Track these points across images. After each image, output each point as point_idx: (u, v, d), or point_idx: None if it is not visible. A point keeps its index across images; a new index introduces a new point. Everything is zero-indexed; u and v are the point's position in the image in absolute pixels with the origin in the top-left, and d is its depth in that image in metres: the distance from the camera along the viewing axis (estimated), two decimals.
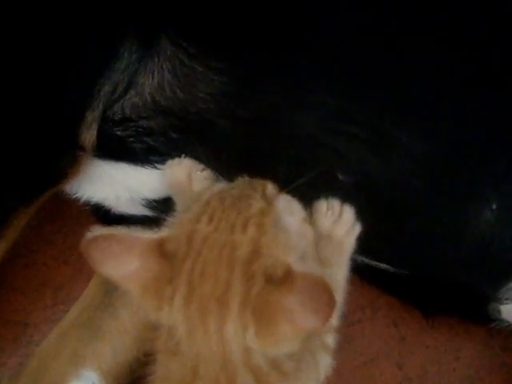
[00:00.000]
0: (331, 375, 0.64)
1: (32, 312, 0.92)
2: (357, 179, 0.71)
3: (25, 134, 0.73)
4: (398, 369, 0.87)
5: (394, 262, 0.76)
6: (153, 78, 0.73)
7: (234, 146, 0.74)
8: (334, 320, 0.65)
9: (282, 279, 0.51)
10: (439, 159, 0.71)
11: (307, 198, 0.66)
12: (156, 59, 0.73)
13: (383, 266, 0.76)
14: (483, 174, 0.70)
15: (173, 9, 0.74)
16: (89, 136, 0.75)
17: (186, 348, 0.54)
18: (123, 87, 0.74)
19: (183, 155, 0.75)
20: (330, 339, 0.65)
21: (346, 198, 0.68)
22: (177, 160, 0.74)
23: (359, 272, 0.75)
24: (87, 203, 0.84)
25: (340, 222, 0.66)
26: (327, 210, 0.66)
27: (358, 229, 0.67)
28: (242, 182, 0.63)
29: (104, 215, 0.85)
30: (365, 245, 0.68)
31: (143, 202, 0.81)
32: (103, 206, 0.84)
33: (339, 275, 0.66)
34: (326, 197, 0.68)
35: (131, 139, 0.76)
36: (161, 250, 0.55)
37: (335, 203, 0.67)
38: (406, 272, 0.76)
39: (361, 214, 0.67)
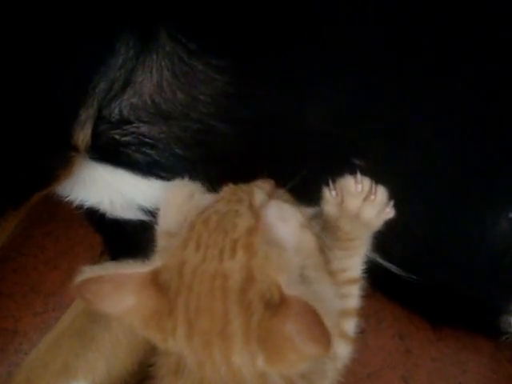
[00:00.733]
0: None
1: (21, 319, 0.89)
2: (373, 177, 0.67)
3: (13, 131, 0.69)
4: (403, 382, 0.84)
5: (406, 266, 0.73)
6: (151, 77, 0.70)
7: (236, 152, 0.70)
8: (354, 302, 0.63)
9: (278, 304, 0.49)
10: (457, 161, 0.68)
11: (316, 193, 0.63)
12: (154, 56, 0.69)
13: (394, 268, 0.73)
14: (502, 180, 0.67)
15: (172, 2, 0.70)
16: (82, 135, 0.71)
17: (196, 373, 0.52)
18: (120, 85, 0.70)
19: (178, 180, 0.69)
20: (351, 326, 0.62)
21: None
22: (179, 183, 0.68)
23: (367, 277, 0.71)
24: (80, 206, 0.80)
25: (371, 203, 0.60)
26: (357, 186, 0.60)
27: (391, 213, 0.61)
28: (227, 192, 0.60)
29: (98, 220, 0.82)
30: (379, 243, 0.65)
31: (139, 208, 0.78)
32: (97, 210, 0.80)
33: (361, 246, 0.63)
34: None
35: (133, 148, 0.72)
36: (155, 283, 0.53)
37: (365, 180, 0.61)
38: (416, 278, 0.73)
39: None
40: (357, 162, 0.68)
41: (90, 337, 0.77)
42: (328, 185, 0.62)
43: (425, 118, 0.68)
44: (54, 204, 0.91)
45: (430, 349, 0.85)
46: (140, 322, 0.54)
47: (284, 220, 0.56)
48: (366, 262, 0.65)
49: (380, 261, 0.72)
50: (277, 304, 0.49)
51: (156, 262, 0.55)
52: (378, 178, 0.65)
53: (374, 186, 0.61)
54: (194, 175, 0.69)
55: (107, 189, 0.76)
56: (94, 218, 0.82)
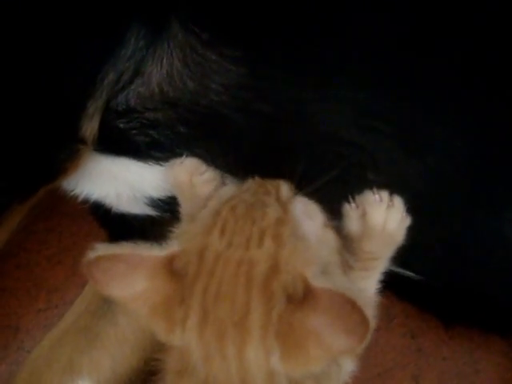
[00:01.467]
0: None
1: (23, 316, 0.87)
2: (389, 179, 0.66)
3: (20, 124, 0.67)
4: (414, 382, 0.83)
5: (421, 270, 0.71)
6: (161, 67, 0.68)
7: (247, 143, 0.68)
8: None
9: (303, 297, 0.47)
10: (478, 160, 0.66)
11: (335, 200, 0.62)
12: (165, 46, 0.67)
13: (408, 273, 0.71)
14: None
15: None
16: (90, 128, 0.69)
17: (200, 371, 0.50)
18: (129, 76, 0.68)
19: (185, 155, 0.69)
20: None
21: None
22: (179, 160, 0.69)
23: None
24: (86, 201, 0.79)
25: (392, 213, 0.61)
26: (377, 198, 0.61)
27: (408, 219, 0.62)
28: (254, 183, 0.58)
29: (104, 214, 0.80)
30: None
31: (146, 201, 0.76)
32: (103, 205, 0.78)
33: (380, 267, 0.63)
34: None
35: (134, 131, 0.70)
36: (170, 268, 0.51)
37: (383, 193, 0.62)
38: (430, 280, 0.71)
39: None
40: (371, 176, 0.66)
41: (95, 333, 0.76)
42: (344, 197, 0.62)
43: (444, 115, 0.66)
44: (58, 199, 0.89)
45: (441, 348, 0.84)
46: (148, 309, 0.51)
47: (310, 216, 0.56)
48: None
49: (393, 268, 0.70)
50: (301, 298, 0.47)
51: (174, 246, 0.53)
52: (390, 181, 0.65)
53: (390, 196, 0.62)
54: (197, 153, 0.68)
55: (113, 181, 0.74)
56: (100, 212, 0.80)
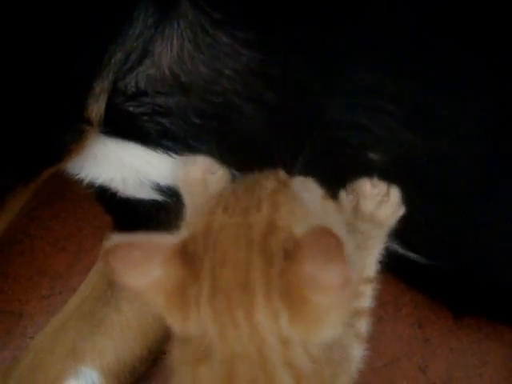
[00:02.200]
0: None
1: (27, 302, 0.86)
2: (392, 159, 0.65)
3: (25, 103, 0.66)
4: (421, 373, 0.81)
5: (430, 254, 0.70)
6: (171, 48, 0.67)
7: (255, 136, 0.68)
8: (368, 302, 0.61)
9: (294, 251, 0.47)
10: (486, 142, 0.65)
11: (335, 183, 0.60)
12: (175, 25, 0.66)
13: (416, 257, 0.70)
14: None
15: None
16: (96, 109, 0.68)
17: (218, 350, 0.49)
18: (137, 56, 0.67)
19: (197, 155, 0.67)
20: (364, 325, 0.60)
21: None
22: (191, 158, 0.67)
23: (384, 263, 0.68)
24: (91, 185, 0.78)
25: (386, 204, 0.61)
26: (372, 190, 0.61)
27: (402, 211, 0.62)
28: (254, 174, 0.59)
29: (109, 199, 0.79)
30: (400, 232, 0.62)
31: (152, 186, 0.75)
32: (108, 189, 0.77)
33: (376, 245, 0.62)
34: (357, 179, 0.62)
35: (145, 117, 0.69)
36: (183, 254, 0.51)
37: (381, 183, 0.61)
38: (439, 264, 0.70)
39: None
40: (374, 156, 0.65)
41: (98, 320, 0.75)
42: (346, 180, 0.62)
43: (453, 93, 0.65)
44: (62, 185, 0.89)
45: (449, 338, 0.82)
46: (163, 298, 0.51)
47: (308, 190, 0.56)
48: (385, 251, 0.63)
49: (401, 251, 0.69)
50: (293, 252, 0.47)
51: (183, 232, 0.53)
52: (395, 162, 0.65)
53: (388, 187, 0.62)
54: (208, 147, 0.67)
55: (119, 165, 0.73)
56: (105, 197, 0.79)
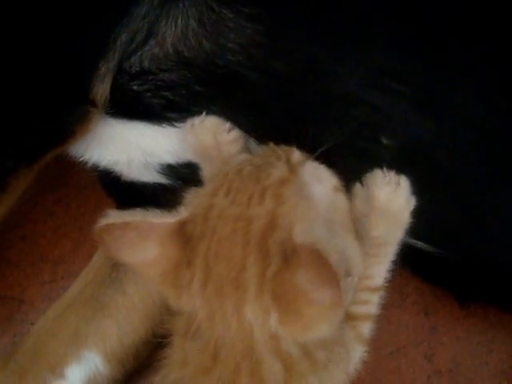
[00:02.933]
0: None
1: (28, 288, 0.85)
2: (403, 143, 0.64)
3: (30, 82, 0.65)
4: (427, 361, 0.81)
5: (438, 243, 0.69)
6: (176, 27, 0.66)
7: (263, 103, 0.66)
8: (374, 309, 0.61)
9: (290, 254, 0.47)
10: (498, 128, 0.64)
11: (348, 166, 0.61)
12: (180, 4, 0.65)
13: (424, 246, 0.69)
14: None
15: None
16: (101, 90, 0.68)
17: (206, 332, 0.50)
18: (142, 36, 0.67)
19: (204, 112, 0.67)
20: (367, 329, 0.60)
21: (390, 165, 0.61)
22: (198, 119, 0.66)
23: None
24: (94, 168, 0.77)
25: (397, 195, 0.60)
26: (384, 179, 0.60)
27: (413, 202, 0.61)
28: (266, 150, 0.58)
29: (112, 183, 0.78)
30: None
31: (158, 168, 0.74)
32: (112, 172, 0.76)
33: (390, 253, 0.61)
34: (368, 164, 0.62)
35: (148, 94, 0.68)
36: (180, 234, 0.51)
37: (392, 174, 0.61)
38: (447, 253, 0.69)
39: None
40: (384, 140, 0.64)
41: (102, 303, 0.74)
42: (357, 164, 0.63)
43: (466, 79, 0.64)
44: (65, 170, 0.88)
45: (455, 326, 0.82)
46: (158, 276, 0.52)
47: (319, 180, 0.55)
48: None
49: (409, 241, 0.68)
50: (290, 255, 0.47)
51: (183, 212, 0.53)
52: (404, 145, 0.64)
53: (399, 177, 0.61)
54: (213, 114, 0.66)
55: (125, 146, 0.72)
56: (108, 181, 0.78)
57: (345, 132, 0.63)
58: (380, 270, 0.62)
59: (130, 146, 0.72)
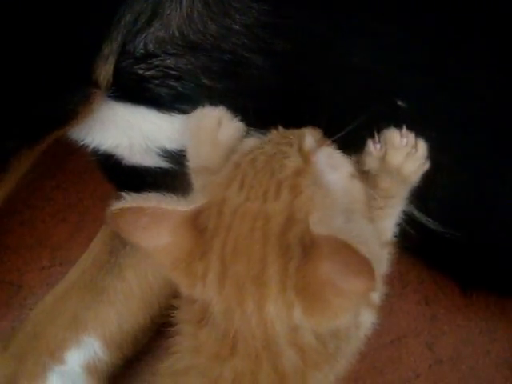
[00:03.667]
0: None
1: (26, 273, 0.85)
2: (419, 107, 0.64)
3: (32, 62, 0.65)
4: (427, 349, 0.81)
5: (445, 221, 0.68)
6: (181, 8, 0.65)
7: (270, 86, 0.66)
8: (384, 267, 0.60)
9: (310, 246, 0.46)
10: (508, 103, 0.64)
11: (364, 129, 0.59)
12: None
13: (431, 222, 0.68)
14: None
15: None
16: (104, 71, 0.67)
17: (221, 323, 0.50)
18: (146, 18, 0.66)
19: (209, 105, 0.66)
20: (376, 295, 0.59)
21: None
22: (205, 109, 0.66)
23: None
24: (95, 152, 0.76)
25: (414, 156, 0.59)
26: (401, 140, 0.59)
27: (427, 166, 0.61)
28: (277, 134, 0.57)
29: (113, 167, 0.77)
30: (418, 194, 0.61)
31: (159, 152, 0.73)
32: (113, 156, 0.75)
33: (397, 205, 0.61)
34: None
35: (156, 81, 0.68)
36: (193, 223, 0.51)
37: (410, 134, 0.60)
38: (453, 233, 0.69)
39: None
40: (399, 103, 0.64)
41: (101, 288, 0.73)
42: (371, 135, 0.60)
43: (479, 58, 0.64)
44: (64, 156, 0.87)
45: (457, 315, 0.82)
46: (170, 263, 0.51)
47: (334, 167, 0.54)
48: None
49: (417, 214, 0.68)
50: (309, 247, 0.46)
51: (198, 200, 0.52)
52: (420, 120, 0.63)
53: (416, 140, 0.60)
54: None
55: (127, 129, 0.71)
56: (109, 165, 0.77)
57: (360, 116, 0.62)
58: (388, 223, 0.61)
59: (131, 130, 0.71)
